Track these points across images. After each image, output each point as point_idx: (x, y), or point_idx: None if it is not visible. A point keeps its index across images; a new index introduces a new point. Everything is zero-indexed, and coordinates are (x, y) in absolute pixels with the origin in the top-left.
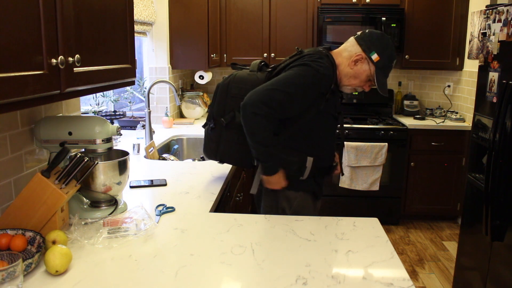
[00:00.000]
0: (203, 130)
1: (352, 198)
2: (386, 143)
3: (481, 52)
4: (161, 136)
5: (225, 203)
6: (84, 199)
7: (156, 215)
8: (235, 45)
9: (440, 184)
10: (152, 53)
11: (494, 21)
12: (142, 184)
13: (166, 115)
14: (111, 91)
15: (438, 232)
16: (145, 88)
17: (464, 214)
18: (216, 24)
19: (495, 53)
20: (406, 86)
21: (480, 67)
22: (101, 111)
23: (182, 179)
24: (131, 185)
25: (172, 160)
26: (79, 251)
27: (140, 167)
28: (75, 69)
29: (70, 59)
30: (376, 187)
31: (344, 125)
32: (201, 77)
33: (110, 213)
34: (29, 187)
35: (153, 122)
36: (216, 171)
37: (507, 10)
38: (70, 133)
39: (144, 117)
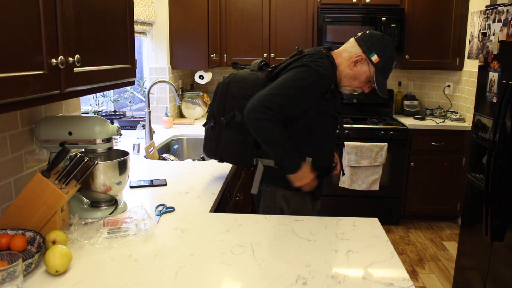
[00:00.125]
0: (203, 130)
1: (352, 198)
2: (386, 143)
3: (481, 52)
4: (161, 136)
5: (225, 203)
6: (84, 199)
7: (156, 215)
8: (235, 45)
9: (440, 184)
10: (152, 53)
11: (494, 21)
12: (142, 184)
13: (166, 115)
14: (111, 91)
15: (438, 232)
16: (145, 88)
17: (464, 214)
18: (216, 24)
19: (495, 53)
20: (406, 86)
21: (480, 67)
22: (101, 111)
23: (182, 179)
24: (131, 185)
25: (172, 160)
26: (79, 251)
27: (140, 167)
28: (75, 69)
29: (70, 59)
30: (376, 187)
31: (344, 125)
32: (201, 77)
33: (110, 213)
34: (29, 187)
35: (153, 122)
36: (216, 171)
37: (507, 10)
38: (70, 133)
39: (144, 117)
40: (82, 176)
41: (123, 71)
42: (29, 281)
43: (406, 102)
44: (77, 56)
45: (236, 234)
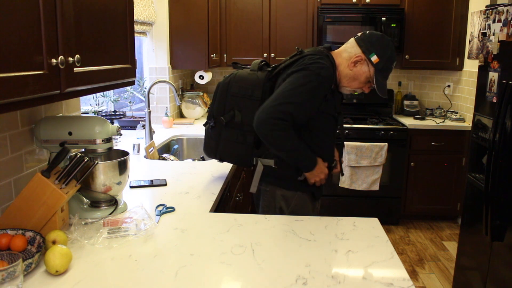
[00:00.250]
0: (203, 130)
1: (352, 198)
2: (386, 143)
3: (481, 52)
4: (161, 136)
5: (225, 203)
6: (84, 199)
7: (156, 215)
8: (235, 45)
9: (440, 184)
10: (152, 53)
11: (494, 21)
12: (142, 184)
13: (166, 115)
14: (111, 91)
15: (438, 232)
16: (145, 88)
17: (464, 214)
18: (216, 24)
19: (495, 53)
20: (406, 86)
21: (480, 67)
22: (101, 111)
23: (182, 179)
24: (131, 185)
25: (172, 160)
26: (79, 251)
27: (140, 167)
28: (75, 69)
29: (70, 59)
30: (376, 187)
31: (344, 125)
32: (201, 77)
33: (110, 213)
34: (29, 187)
35: (153, 122)
36: (216, 171)
37: (507, 10)
38: (70, 133)
39: (144, 117)
40: (82, 176)
41: (123, 71)
42: (29, 281)
43: (406, 102)
44: (77, 56)
45: (236, 234)
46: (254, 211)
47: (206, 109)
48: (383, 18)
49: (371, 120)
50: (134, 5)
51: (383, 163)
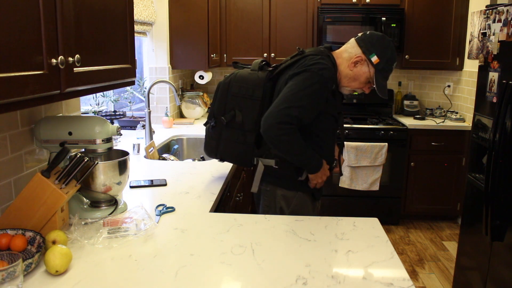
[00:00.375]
0: (203, 130)
1: (352, 198)
2: (386, 143)
3: (481, 52)
4: (161, 136)
5: (225, 203)
6: (84, 199)
7: (156, 215)
8: (235, 45)
9: (440, 184)
10: (152, 53)
11: (494, 21)
12: (142, 184)
13: (166, 115)
14: (111, 91)
15: (438, 232)
16: (145, 88)
17: (464, 214)
18: (216, 24)
19: (495, 53)
20: (406, 86)
21: (480, 67)
22: (101, 111)
23: (182, 179)
24: (131, 185)
25: (172, 160)
26: (79, 251)
27: (140, 167)
28: (75, 69)
29: (70, 59)
30: (376, 187)
31: (344, 125)
32: (201, 77)
33: (110, 213)
34: (29, 187)
35: (153, 122)
36: (216, 171)
37: (507, 10)
38: (70, 133)
39: (144, 117)
40: (82, 176)
41: (123, 71)
42: (29, 281)
43: (406, 102)
44: (77, 56)
45: (236, 234)
46: (254, 211)
47: (206, 109)
48: (383, 18)
49: (371, 120)
50: (134, 5)
51: (383, 163)
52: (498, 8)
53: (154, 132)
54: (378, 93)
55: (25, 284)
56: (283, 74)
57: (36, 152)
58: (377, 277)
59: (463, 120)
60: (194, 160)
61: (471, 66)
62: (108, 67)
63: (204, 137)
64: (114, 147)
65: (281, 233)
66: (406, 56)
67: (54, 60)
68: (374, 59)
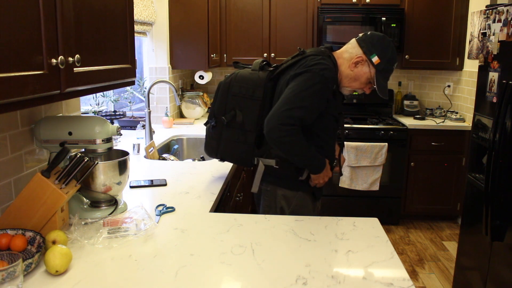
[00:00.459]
0: (203, 130)
1: (352, 198)
2: (386, 143)
3: (481, 52)
4: (161, 136)
5: (225, 203)
6: (84, 199)
7: (156, 215)
8: (235, 45)
9: (440, 184)
10: (152, 53)
11: (494, 21)
12: (142, 184)
13: (166, 115)
14: (111, 91)
15: (438, 232)
16: (145, 88)
17: (464, 214)
18: (216, 24)
19: (495, 53)
20: (406, 86)
21: (480, 67)
22: (101, 111)
23: (182, 179)
24: (131, 185)
25: (172, 160)
26: (79, 251)
27: (140, 167)
28: (75, 69)
29: (70, 59)
30: (376, 187)
31: (344, 125)
32: (201, 77)
33: (110, 213)
34: (29, 187)
35: (153, 122)
36: (216, 171)
37: (507, 10)
38: (70, 133)
39: (144, 117)
40: (82, 176)
41: (123, 71)
42: (29, 281)
43: (406, 102)
44: (77, 56)
45: (236, 234)
46: (254, 211)
47: (206, 109)
48: (383, 18)
49: (371, 120)
50: (134, 5)
51: (383, 163)
52: (498, 8)
53: (154, 132)
54: (378, 93)
55: (25, 284)
56: (284, 74)
57: (36, 152)
58: (377, 277)
59: (463, 120)
60: (194, 160)
61: (471, 66)
62: (108, 67)
63: (204, 137)
64: (114, 147)
65: (281, 233)
66: (406, 56)
67: (54, 60)
68: (375, 59)
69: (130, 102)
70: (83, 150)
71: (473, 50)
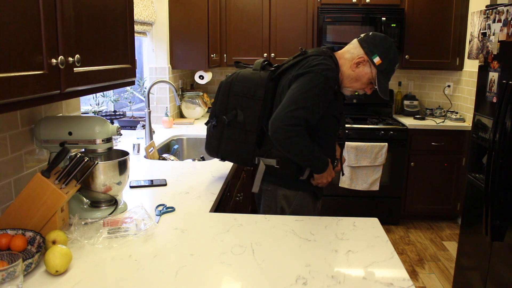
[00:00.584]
0: (203, 130)
1: (352, 198)
2: (386, 143)
3: (481, 52)
4: (161, 136)
5: (225, 203)
6: (84, 199)
7: (156, 215)
8: (235, 45)
9: (440, 184)
10: (152, 53)
11: (494, 21)
12: (142, 184)
13: (166, 115)
14: (111, 91)
15: (438, 232)
16: (145, 88)
17: (464, 214)
18: (216, 24)
19: (495, 53)
20: (406, 86)
21: (480, 67)
22: (101, 111)
23: (182, 179)
24: (131, 185)
25: (172, 160)
26: (79, 251)
27: (140, 167)
28: (75, 69)
29: (70, 59)
30: (376, 187)
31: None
32: (201, 77)
33: (110, 213)
34: (29, 187)
35: (153, 122)
36: (216, 171)
37: (507, 10)
38: (70, 133)
39: (144, 117)
40: (82, 176)
41: (123, 71)
42: (29, 281)
43: (406, 102)
44: (77, 56)
45: (236, 234)
46: (254, 211)
47: (206, 109)
48: (383, 18)
49: (371, 120)
50: (134, 5)
51: (383, 163)
52: (498, 8)
53: (154, 132)
54: (380, 94)
55: (25, 284)
56: (285, 74)
57: (36, 152)
58: (377, 277)
59: (463, 120)
60: (194, 160)
61: (471, 66)
62: (108, 67)
63: (204, 137)
64: (114, 147)
65: (281, 233)
66: (406, 56)
67: (54, 60)
68: (377, 60)
69: (130, 102)
70: (83, 150)
71: (473, 50)
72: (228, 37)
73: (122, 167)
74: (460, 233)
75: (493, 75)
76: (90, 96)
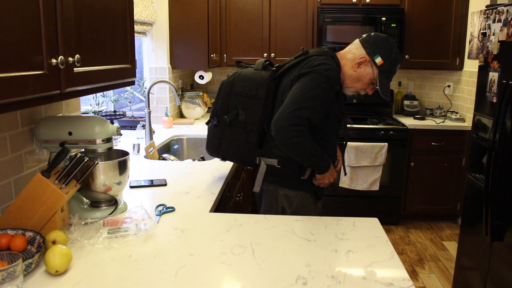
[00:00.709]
0: (203, 130)
1: (352, 198)
2: (386, 143)
3: (481, 52)
4: (161, 136)
5: (225, 203)
6: (84, 199)
7: (156, 215)
8: (235, 45)
9: (440, 184)
10: (152, 53)
11: (494, 21)
12: (142, 184)
13: (166, 115)
14: (111, 91)
15: (438, 232)
16: (145, 88)
17: (464, 214)
18: (216, 24)
19: (495, 53)
20: (406, 86)
21: (480, 67)
22: (101, 111)
23: (182, 179)
24: (131, 185)
25: (172, 160)
26: (79, 251)
27: (140, 167)
28: (75, 69)
29: (70, 59)
30: (376, 187)
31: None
32: (201, 77)
33: (110, 213)
34: (29, 187)
35: (153, 122)
36: (216, 171)
37: (507, 10)
38: (70, 133)
39: (144, 117)
40: (82, 176)
41: (123, 71)
42: (29, 281)
43: (406, 102)
44: (77, 56)
45: (236, 234)
46: (254, 211)
47: (206, 109)
48: (383, 18)
49: (371, 120)
50: (134, 5)
51: (383, 163)
52: (498, 8)
53: (154, 132)
54: (381, 94)
55: (25, 284)
56: (287, 74)
57: (36, 152)
58: (377, 277)
59: (463, 120)
60: (194, 160)
61: (471, 66)
62: (108, 67)
63: (204, 137)
64: (114, 147)
65: (281, 233)
66: (406, 56)
67: (54, 60)
68: (378, 60)
69: (130, 102)
70: (83, 150)
71: (473, 50)
72: (228, 37)
73: (122, 167)
74: (460, 233)
75: (493, 75)
76: (90, 96)
